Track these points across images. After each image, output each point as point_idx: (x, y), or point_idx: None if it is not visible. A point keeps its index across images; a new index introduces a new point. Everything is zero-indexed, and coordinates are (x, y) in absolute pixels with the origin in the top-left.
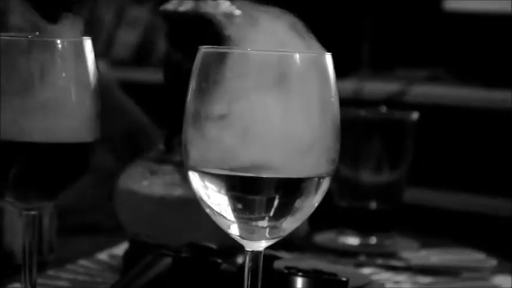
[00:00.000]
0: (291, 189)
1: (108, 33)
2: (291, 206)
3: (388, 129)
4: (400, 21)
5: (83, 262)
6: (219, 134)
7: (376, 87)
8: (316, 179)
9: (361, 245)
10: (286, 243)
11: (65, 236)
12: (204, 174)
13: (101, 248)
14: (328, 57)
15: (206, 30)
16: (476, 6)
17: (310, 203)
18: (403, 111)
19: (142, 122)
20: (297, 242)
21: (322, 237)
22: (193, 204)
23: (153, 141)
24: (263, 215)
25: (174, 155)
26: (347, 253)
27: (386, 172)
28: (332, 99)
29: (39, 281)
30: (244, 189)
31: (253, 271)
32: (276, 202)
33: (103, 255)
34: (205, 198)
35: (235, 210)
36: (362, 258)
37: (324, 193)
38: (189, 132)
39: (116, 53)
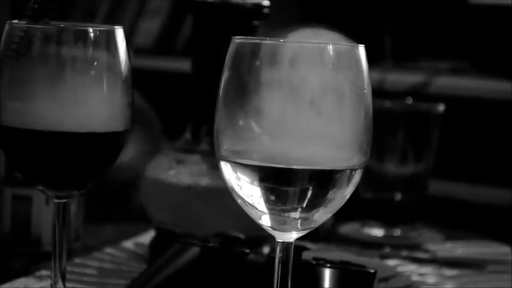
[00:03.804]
0: (323, 180)
1: (130, 21)
2: (324, 197)
3: (413, 121)
4: (423, 12)
5: (109, 250)
6: (253, 124)
7: (399, 78)
8: (348, 171)
9: (385, 236)
10: (311, 234)
11: (90, 224)
12: (236, 164)
13: (127, 236)
14: (362, 49)
15: (235, 20)
16: None
17: (342, 194)
18: (429, 103)
19: (141, 107)
20: (322, 233)
21: (347, 229)
22: (220, 193)
23: (153, 127)
24: (296, 206)
25: (200, 145)
26: (372, 244)
27: (411, 164)
28: (365, 90)
29: (67, 268)
30: (277, 181)
31: (284, 262)
32: (308, 193)
33: (129, 244)
34: (237, 189)
35: (267, 201)
36: (387, 249)
37: (356, 185)
38: (222, 123)
39: (138, 42)
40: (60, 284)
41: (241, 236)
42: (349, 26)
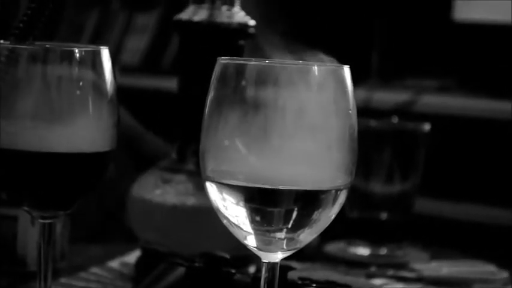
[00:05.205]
0: (309, 201)
1: (117, 39)
2: (309, 218)
3: (399, 140)
4: (410, 30)
5: (94, 270)
6: (238, 145)
7: (386, 96)
8: (333, 191)
9: (371, 255)
10: (297, 253)
11: (76, 244)
12: (221, 185)
13: (113, 255)
14: (346, 70)
15: (221, 39)
16: (486, 16)
17: (327, 215)
18: (415, 122)
19: (138, 129)
20: (307, 252)
21: (333, 248)
22: (206, 213)
23: (153, 147)
24: (281, 226)
25: (186, 164)
26: (358, 264)
27: (397, 183)
28: (350, 111)
29: None
30: (262, 201)
31: (270, 282)
32: (294, 214)
33: (115, 263)
34: (222, 209)
35: (253, 222)
36: (373, 269)
37: (341, 205)
38: (207, 143)
39: (125, 59)
40: None
41: (227, 255)
42: (336, 44)
